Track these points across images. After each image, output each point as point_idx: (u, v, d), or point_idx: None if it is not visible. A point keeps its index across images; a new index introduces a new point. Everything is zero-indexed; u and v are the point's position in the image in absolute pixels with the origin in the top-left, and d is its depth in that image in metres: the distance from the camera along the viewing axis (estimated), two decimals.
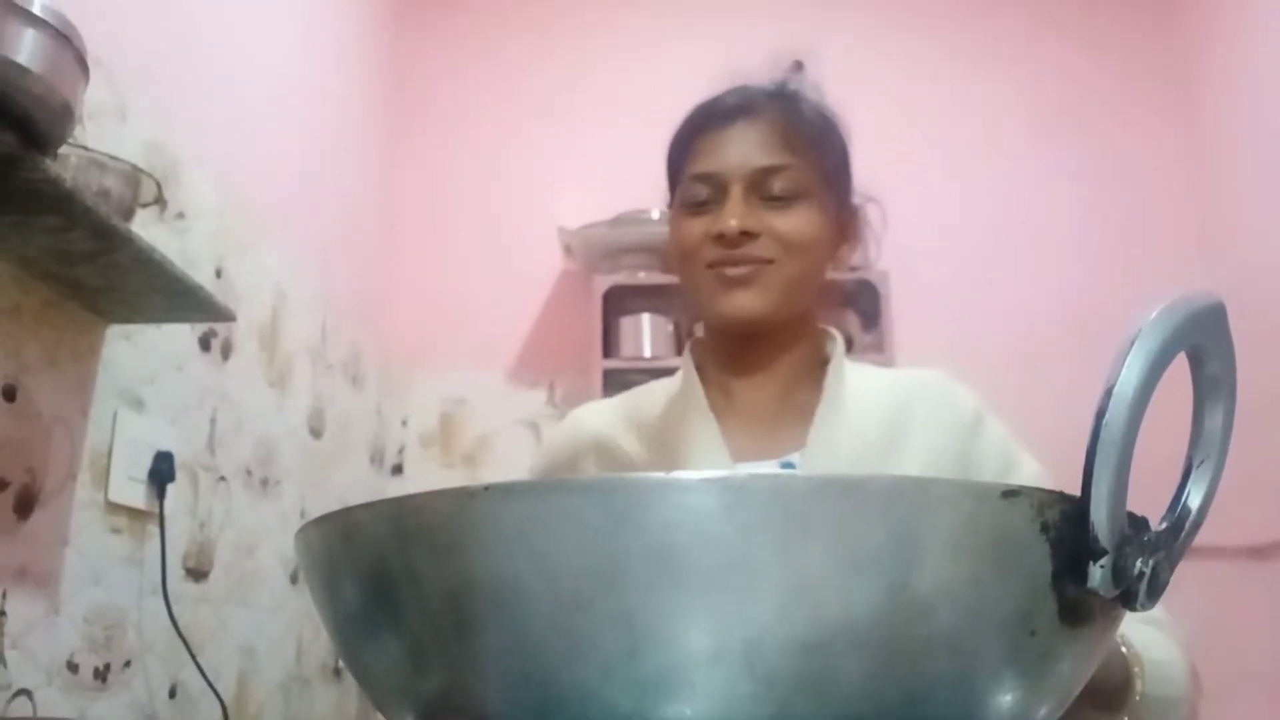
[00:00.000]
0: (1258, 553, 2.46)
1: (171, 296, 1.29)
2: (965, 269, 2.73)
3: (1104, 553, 0.35)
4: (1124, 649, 0.71)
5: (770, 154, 0.91)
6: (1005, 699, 0.36)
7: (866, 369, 1.01)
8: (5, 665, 1.16)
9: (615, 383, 2.51)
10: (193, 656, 1.48)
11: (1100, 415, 0.34)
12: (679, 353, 2.54)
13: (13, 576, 1.17)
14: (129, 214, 1.21)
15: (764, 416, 0.97)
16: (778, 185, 0.91)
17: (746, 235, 0.90)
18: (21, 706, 1.17)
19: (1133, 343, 0.34)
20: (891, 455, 0.91)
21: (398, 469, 2.61)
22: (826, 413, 0.94)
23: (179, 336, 1.55)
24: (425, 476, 2.56)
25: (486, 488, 0.33)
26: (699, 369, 1.01)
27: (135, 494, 1.41)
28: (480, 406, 2.65)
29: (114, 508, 1.37)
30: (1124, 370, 0.34)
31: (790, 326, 0.96)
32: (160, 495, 1.45)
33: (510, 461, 2.57)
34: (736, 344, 0.97)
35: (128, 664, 1.39)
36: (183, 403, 1.56)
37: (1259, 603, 2.46)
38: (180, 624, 1.46)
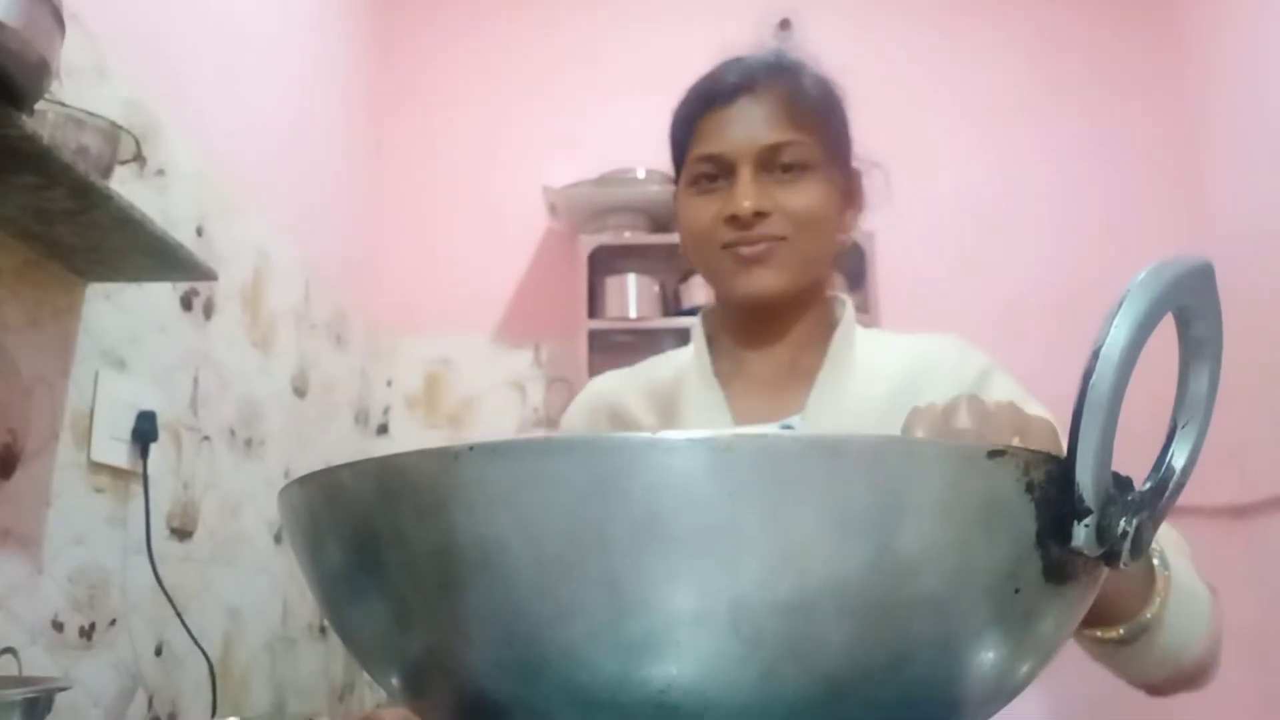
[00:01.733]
0: (1238, 512, 2.49)
1: (152, 256, 1.28)
2: (952, 234, 2.73)
3: (1088, 512, 0.35)
4: (1157, 564, 0.68)
5: (775, 130, 0.91)
6: (988, 657, 0.37)
7: (879, 335, 1.02)
8: None
9: (601, 344, 2.51)
10: (179, 615, 1.49)
11: (1087, 376, 0.34)
12: (665, 313, 2.55)
13: None
14: (107, 171, 1.19)
15: (770, 382, 0.98)
16: (785, 161, 0.91)
17: (759, 215, 0.90)
18: (7, 665, 1.17)
19: (1121, 303, 0.34)
20: (894, 419, 0.91)
21: (383, 429, 2.61)
22: (829, 377, 0.95)
23: (160, 296, 1.53)
24: (410, 437, 2.56)
25: (471, 447, 0.32)
26: (711, 338, 1.02)
27: (118, 454, 1.40)
28: (465, 367, 2.65)
29: (96, 468, 1.36)
30: (1111, 331, 0.34)
31: (802, 296, 0.96)
32: (143, 455, 1.44)
33: (496, 422, 2.57)
34: (750, 317, 0.99)
35: (113, 623, 1.39)
36: (165, 363, 1.55)
37: (1239, 562, 2.49)
38: (165, 584, 1.46)
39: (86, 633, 1.34)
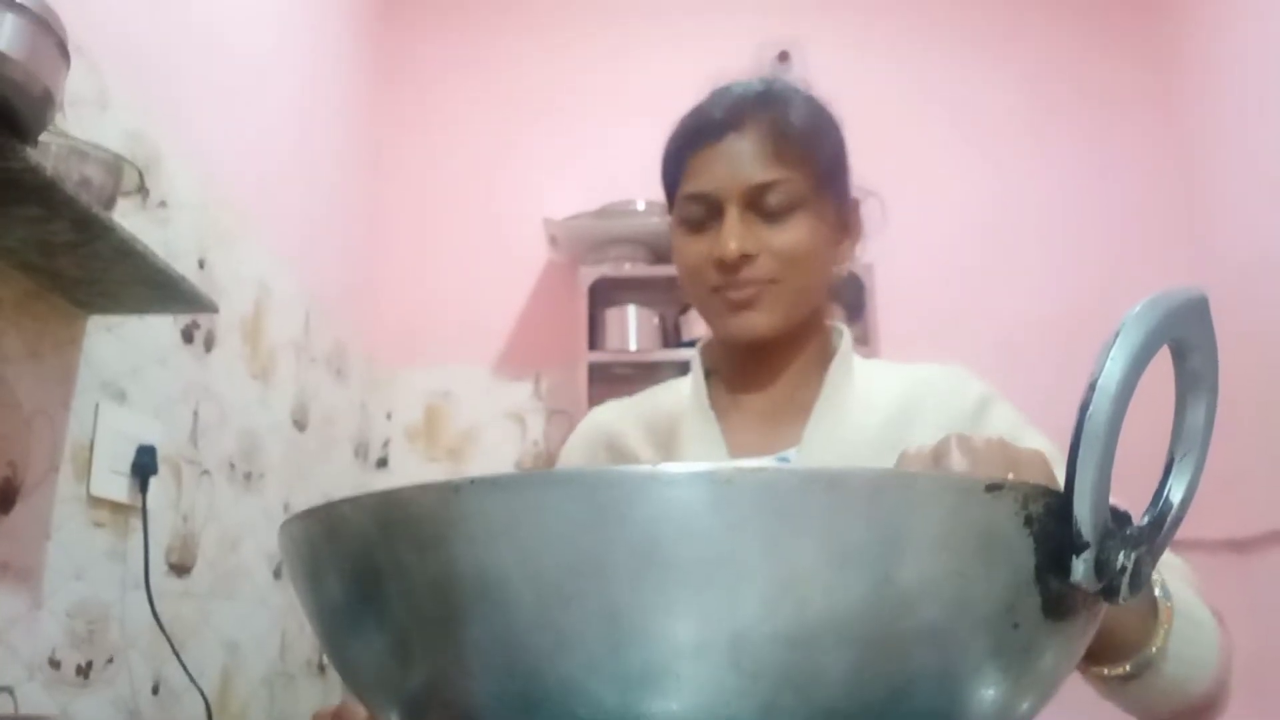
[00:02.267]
0: (1237, 546, 2.48)
1: (154, 288, 1.28)
2: (949, 263, 2.74)
3: (1086, 546, 0.35)
4: (1159, 594, 0.67)
5: (762, 169, 0.90)
6: (988, 693, 0.37)
7: (878, 365, 1.01)
8: None
9: (601, 376, 2.52)
10: (175, 653, 1.48)
11: (1084, 409, 0.34)
12: (665, 345, 2.56)
13: None
14: (110, 203, 1.20)
15: (766, 416, 0.98)
16: (773, 201, 0.90)
17: (746, 258, 0.90)
18: (3, 704, 1.16)
19: (1116, 336, 0.35)
20: (890, 448, 0.91)
21: (382, 462, 2.60)
22: (824, 409, 0.95)
23: (161, 329, 1.54)
24: (410, 470, 2.55)
25: (471, 481, 0.32)
26: (710, 370, 1.03)
27: (118, 487, 1.40)
28: (465, 400, 2.65)
29: (96, 501, 1.36)
30: (1107, 364, 0.34)
31: (796, 332, 0.96)
32: (143, 489, 1.44)
33: (496, 455, 2.56)
34: (745, 354, 0.99)
35: (110, 660, 1.39)
36: (165, 395, 1.55)
37: (1238, 595, 2.47)
38: (163, 619, 1.45)
39: (84, 670, 1.33)
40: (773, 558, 0.32)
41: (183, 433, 1.61)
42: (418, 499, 0.34)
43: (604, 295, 2.61)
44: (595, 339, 2.56)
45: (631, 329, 2.56)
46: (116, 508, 1.40)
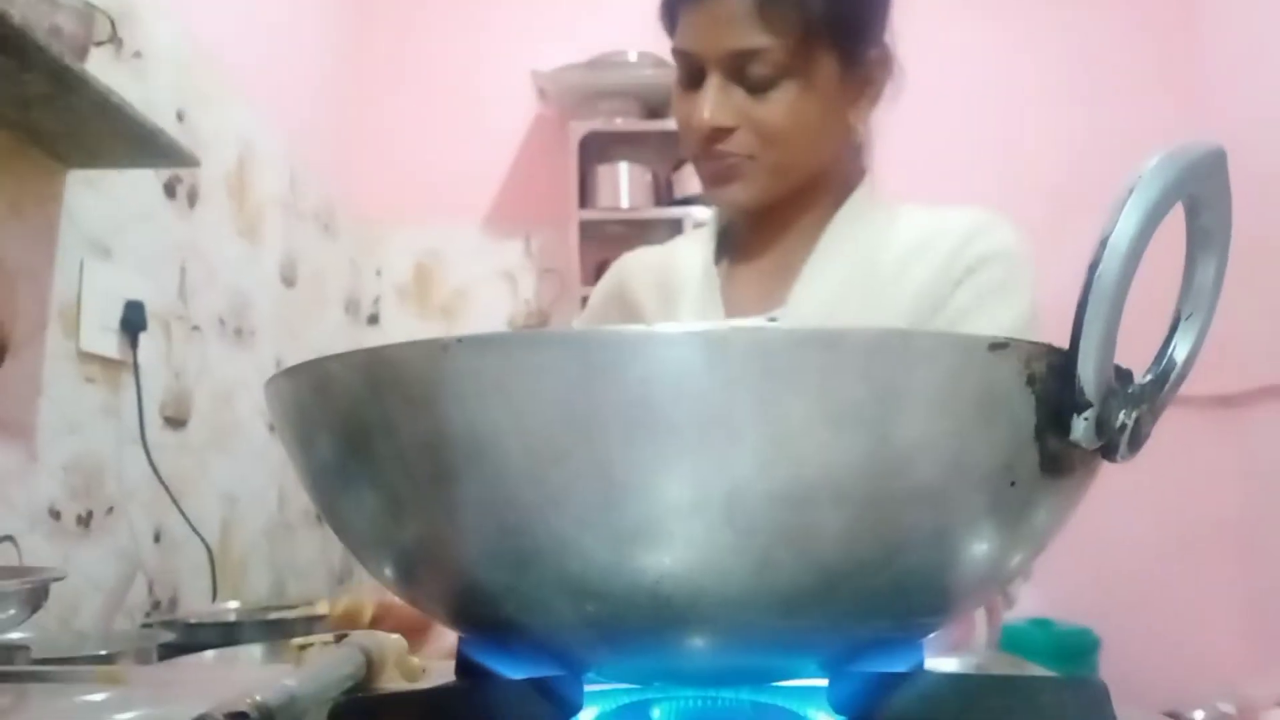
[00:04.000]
0: (1227, 401, 2.51)
1: (133, 141, 1.25)
2: (947, 114, 2.67)
3: (1088, 405, 0.34)
4: None
5: (745, 33, 0.84)
6: (982, 548, 0.37)
7: (907, 211, 0.96)
8: None
9: (593, 234, 2.49)
10: (175, 503, 1.50)
11: (1094, 267, 0.33)
12: (658, 202, 2.52)
13: None
14: (83, 53, 1.15)
15: (766, 274, 0.97)
16: (756, 70, 0.85)
17: (722, 130, 0.87)
18: (6, 552, 1.18)
19: (1131, 191, 0.33)
20: (880, 305, 0.90)
21: (373, 319, 2.59)
22: (816, 267, 0.93)
23: (144, 185, 1.51)
24: (402, 328, 2.55)
25: (460, 339, 0.31)
26: (726, 226, 1.01)
27: (107, 343, 1.40)
28: (456, 258, 2.63)
29: (86, 358, 1.35)
30: (1120, 220, 0.33)
31: (802, 193, 0.94)
32: (133, 345, 1.44)
33: (488, 313, 2.56)
34: (750, 215, 0.97)
35: (110, 511, 1.41)
36: (151, 252, 1.53)
37: (1229, 451, 2.52)
38: (161, 472, 1.47)
39: (84, 520, 1.35)
40: (767, 417, 0.31)
41: (170, 289, 1.59)
42: (406, 357, 0.33)
43: (595, 151, 2.55)
44: (586, 196, 2.52)
45: (623, 186, 2.52)
46: (107, 363, 1.40)
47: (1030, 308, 0.89)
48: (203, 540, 1.58)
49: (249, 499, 1.87)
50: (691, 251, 1.03)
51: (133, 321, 1.44)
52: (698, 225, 1.11)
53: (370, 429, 0.35)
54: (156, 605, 1.51)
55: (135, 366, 1.43)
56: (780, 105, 0.87)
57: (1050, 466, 0.36)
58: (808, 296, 0.92)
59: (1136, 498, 2.03)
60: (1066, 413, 0.35)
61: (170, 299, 1.59)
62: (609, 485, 0.32)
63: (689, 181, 2.47)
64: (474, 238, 2.64)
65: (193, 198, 1.66)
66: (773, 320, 0.93)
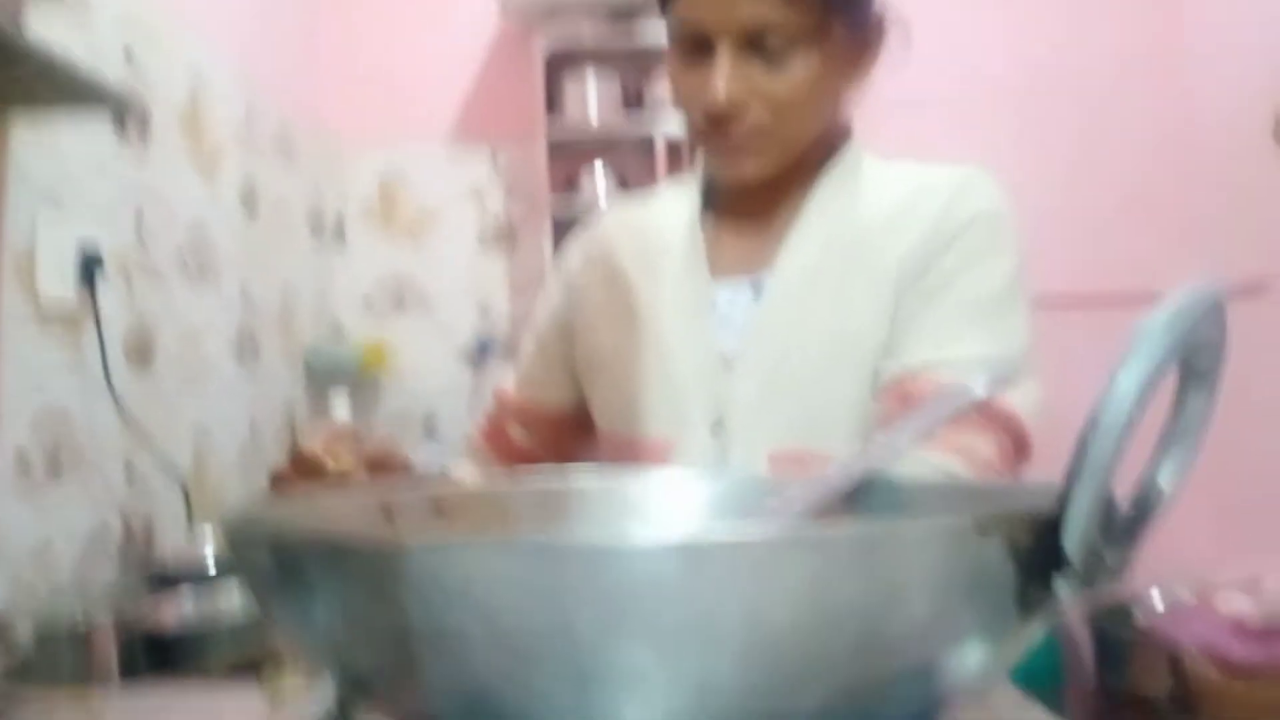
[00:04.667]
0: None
1: (73, 88, 1.19)
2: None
3: (1071, 568, 0.34)
4: None
5: (764, 6, 0.81)
6: (962, 680, 0.37)
7: (894, 168, 0.95)
8: None
9: (561, 152, 2.42)
10: (144, 443, 1.49)
11: (1084, 445, 0.32)
12: (628, 111, 2.44)
13: None
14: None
15: (753, 234, 0.95)
16: (772, 41, 0.82)
17: (736, 106, 0.83)
18: None
19: (1128, 358, 0.32)
20: (868, 265, 0.88)
21: (339, 236, 2.53)
22: (803, 228, 0.91)
23: (92, 129, 1.44)
24: (370, 250, 2.49)
25: (421, 548, 0.30)
26: (708, 183, 0.99)
27: (66, 293, 1.36)
28: (421, 176, 2.55)
29: (45, 309, 1.32)
30: (1113, 398, 0.32)
31: (794, 166, 0.91)
32: (92, 292, 1.40)
33: (456, 231, 2.51)
34: (741, 187, 0.94)
35: (80, 455, 1.40)
36: (105, 198, 1.48)
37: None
38: (129, 416, 1.45)
39: (54, 470, 1.34)
40: (750, 623, 0.30)
41: (127, 233, 1.55)
42: (366, 552, 0.32)
43: (560, 62, 2.46)
44: (553, 108, 2.44)
45: (591, 99, 2.43)
46: (67, 312, 1.37)
47: (1015, 266, 0.89)
48: (175, 476, 1.58)
49: (221, 430, 1.86)
50: (674, 209, 1.00)
51: (90, 269, 1.40)
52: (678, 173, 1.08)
53: (333, 609, 0.34)
54: (132, 541, 1.51)
55: (96, 314, 1.40)
56: (796, 78, 0.84)
57: (1028, 614, 0.35)
58: (792, 261, 0.91)
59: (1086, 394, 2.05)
60: (1049, 572, 0.34)
61: (128, 242, 1.54)
62: (583, 687, 0.31)
63: (659, 86, 2.38)
64: (439, 155, 2.57)
65: (145, 138, 1.60)
66: (758, 284, 0.91)
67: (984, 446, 0.83)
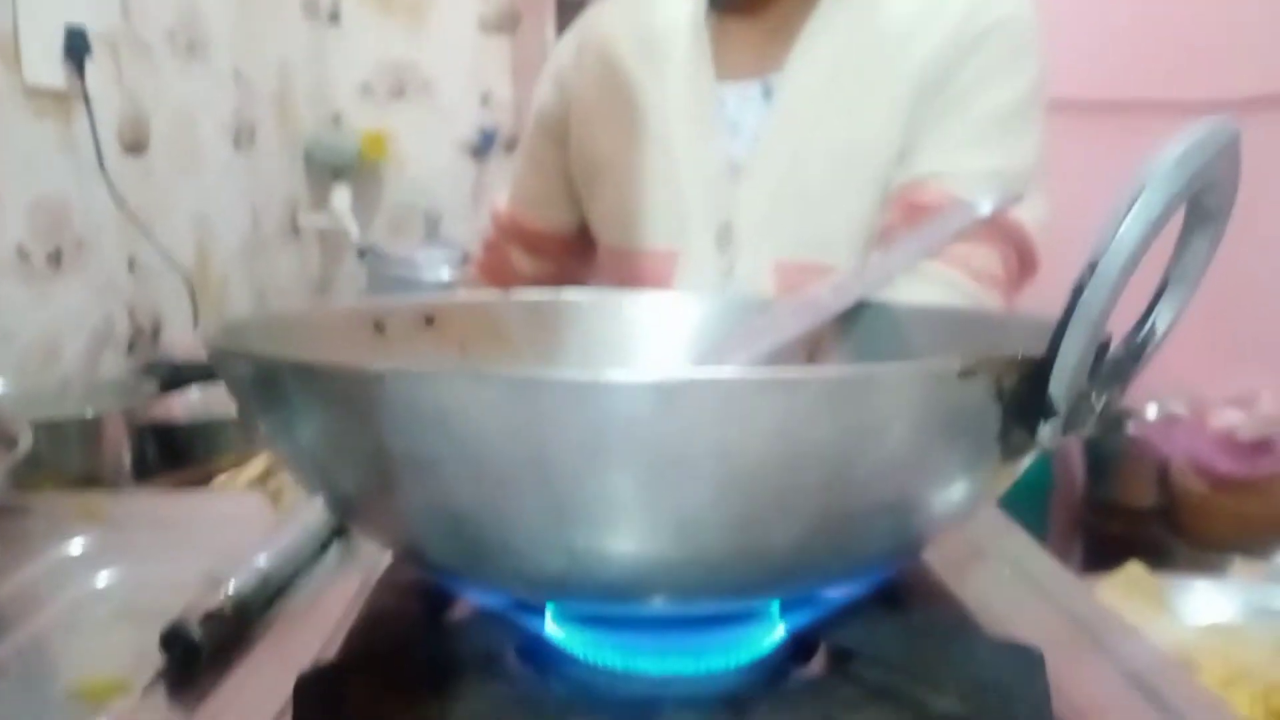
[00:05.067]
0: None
1: None
2: None
3: (1056, 414, 0.33)
4: None
5: None
6: (930, 522, 0.37)
7: None
8: None
9: None
10: (144, 233, 1.48)
11: (1078, 290, 0.31)
12: None
13: None
14: None
15: (763, 33, 0.90)
16: None
17: None
18: None
19: (1133, 202, 0.30)
20: (881, 71, 0.84)
21: (334, 18, 2.42)
22: (816, 28, 0.87)
23: None
24: (367, 33, 2.38)
25: (392, 372, 0.30)
26: None
27: (53, 74, 1.31)
28: None
29: (33, 92, 1.28)
30: (1113, 243, 0.30)
31: None
32: (80, 73, 1.35)
33: (458, 14, 2.39)
34: None
35: (80, 246, 1.39)
36: None
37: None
38: (126, 202, 1.44)
39: (54, 259, 1.33)
40: (724, 462, 0.30)
41: (113, 8, 1.48)
42: (340, 377, 0.31)
43: None
44: None
45: None
46: (56, 95, 1.33)
47: (1034, 78, 0.86)
48: (177, 267, 1.57)
49: (221, 219, 1.84)
50: (678, 1, 0.95)
51: (76, 48, 1.34)
52: None
53: (310, 426, 0.34)
54: (139, 334, 1.53)
55: (85, 95, 1.36)
56: None
57: (1009, 457, 0.35)
58: (806, 63, 0.87)
59: (1097, 204, 2.02)
60: (1033, 418, 0.34)
61: (114, 19, 1.48)
62: (560, 514, 0.31)
63: None
64: None
65: None
66: (767, 88, 0.87)
67: (988, 260, 0.82)
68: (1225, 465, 1.39)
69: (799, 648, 0.42)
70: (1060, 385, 0.32)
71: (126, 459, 0.99)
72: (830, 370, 0.30)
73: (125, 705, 0.42)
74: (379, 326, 0.53)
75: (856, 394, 0.30)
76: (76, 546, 0.60)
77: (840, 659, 0.41)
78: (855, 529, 0.34)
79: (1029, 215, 0.82)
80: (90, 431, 0.96)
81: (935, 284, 0.79)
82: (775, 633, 0.42)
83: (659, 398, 0.29)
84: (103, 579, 0.56)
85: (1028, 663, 0.37)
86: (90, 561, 0.58)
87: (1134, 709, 0.41)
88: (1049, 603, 0.51)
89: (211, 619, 0.46)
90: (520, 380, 0.29)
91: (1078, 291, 0.31)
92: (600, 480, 0.30)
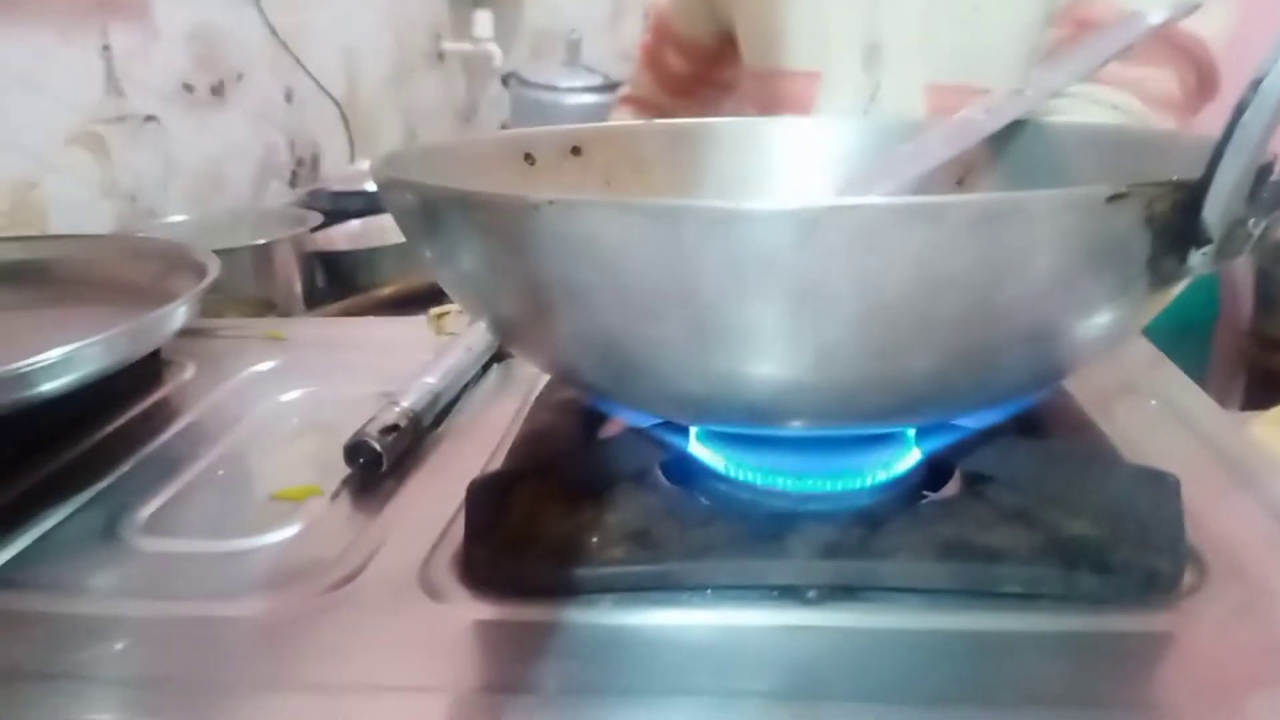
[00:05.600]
0: None
1: None
2: None
3: (1209, 242, 0.32)
4: None
5: None
6: (1075, 353, 0.37)
7: None
8: (124, 95, 1.22)
9: None
10: (300, 63, 1.53)
11: (1240, 110, 0.29)
12: None
13: (106, 10, 1.18)
14: None
15: None
16: None
17: None
18: (153, 132, 1.25)
19: None
20: None
21: None
22: None
23: None
24: None
25: (550, 203, 0.31)
26: None
27: None
28: None
29: None
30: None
31: None
32: None
33: None
34: None
35: (239, 77, 1.44)
36: None
37: None
38: (279, 32, 1.48)
39: (217, 90, 1.39)
40: (864, 292, 0.31)
41: None
42: (498, 208, 0.33)
43: None
44: None
45: None
46: None
47: None
48: (331, 97, 1.62)
49: (367, 49, 1.87)
50: None
51: None
52: None
53: (469, 252, 0.36)
54: (300, 163, 1.60)
55: None
56: None
57: (1158, 285, 0.35)
58: None
59: None
60: (1185, 245, 0.33)
61: None
62: (703, 341, 0.33)
63: None
64: None
65: None
66: None
67: (1163, 81, 0.77)
68: None
69: (934, 471, 0.44)
70: (1215, 211, 0.31)
71: (297, 285, 1.06)
72: (972, 198, 0.30)
73: (319, 506, 0.47)
74: (528, 157, 0.55)
75: (999, 221, 0.30)
76: (264, 366, 0.65)
77: (974, 483, 0.43)
78: (994, 358, 0.35)
79: (1209, 28, 0.76)
80: (263, 259, 1.02)
81: (1102, 106, 0.75)
82: (911, 455, 0.43)
83: (798, 226, 0.29)
84: (288, 396, 0.61)
85: (1163, 489, 0.38)
86: (276, 380, 0.63)
87: (1275, 545, 0.41)
88: (1194, 436, 0.51)
89: (389, 432, 0.51)
90: (663, 208, 0.31)
91: (1239, 110, 0.30)
92: (740, 308, 0.32)
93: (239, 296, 0.98)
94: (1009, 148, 0.53)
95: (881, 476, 0.42)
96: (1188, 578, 0.38)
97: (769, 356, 0.34)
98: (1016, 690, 0.33)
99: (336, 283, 1.13)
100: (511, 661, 0.35)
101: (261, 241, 1.03)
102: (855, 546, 0.38)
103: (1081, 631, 0.36)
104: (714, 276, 0.31)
